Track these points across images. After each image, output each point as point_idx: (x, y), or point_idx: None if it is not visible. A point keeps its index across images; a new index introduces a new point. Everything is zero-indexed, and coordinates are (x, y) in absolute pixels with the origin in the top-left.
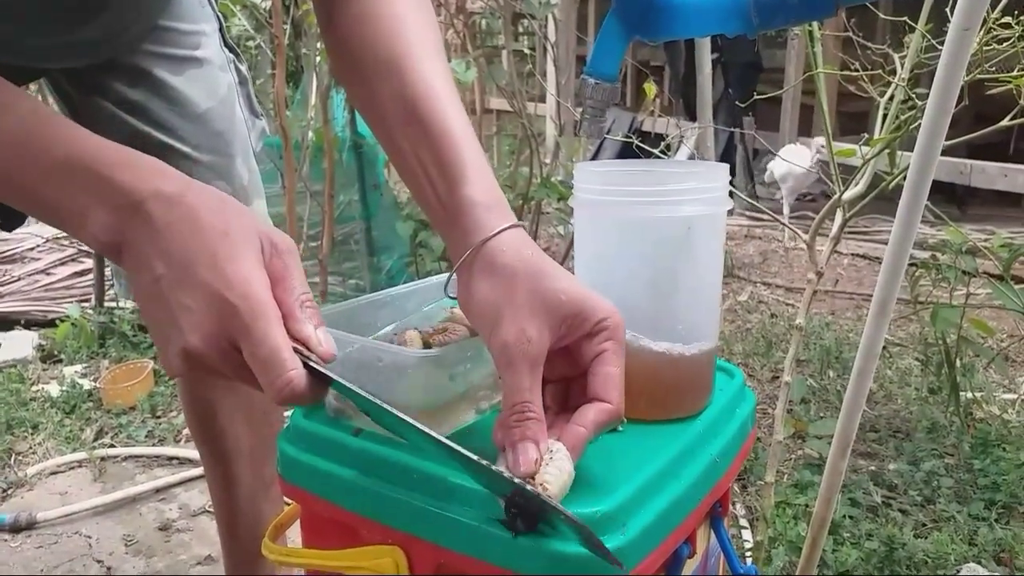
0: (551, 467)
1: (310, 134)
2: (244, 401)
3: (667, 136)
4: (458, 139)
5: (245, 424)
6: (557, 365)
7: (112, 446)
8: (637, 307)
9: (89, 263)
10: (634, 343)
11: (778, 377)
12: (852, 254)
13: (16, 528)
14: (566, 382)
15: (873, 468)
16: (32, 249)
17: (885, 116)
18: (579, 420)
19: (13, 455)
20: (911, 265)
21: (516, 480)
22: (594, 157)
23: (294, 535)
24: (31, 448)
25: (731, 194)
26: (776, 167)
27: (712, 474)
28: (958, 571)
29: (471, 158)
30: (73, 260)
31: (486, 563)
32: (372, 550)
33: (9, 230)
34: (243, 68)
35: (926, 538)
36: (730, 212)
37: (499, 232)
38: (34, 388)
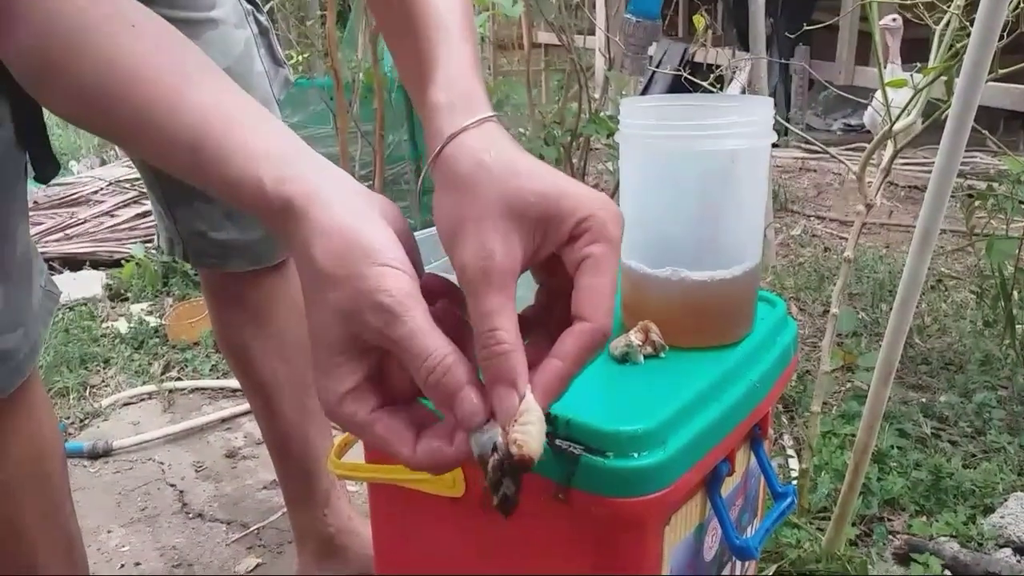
0: (521, 420)
1: (360, 74)
2: (276, 337)
3: (717, 68)
4: (432, 33)
5: (279, 358)
6: (555, 274)
7: (179, 379)
8: (681, 240)
9: (150, 205)
10: (674, 277)
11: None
12: (908, 186)
13: (94, 455)
14: (567, 295)
15: (924, 400)
16: (96, 192)
17: (941, 44)
18: (557, 351)
19: (88, 388)
20: (967, 196)
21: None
22: (645, 90)
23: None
24: (104, 381)
25: (785, 128)
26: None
27: (752, 398)
28: (1006, 500)
29: (442, 52)
30: (135, 202)
31: (535, 475)
32: None
33: (44, 182)
34: (263, 18)
35: (975, 468)
36: (776, 144)
37: (454, 136)
38: (104, 325)
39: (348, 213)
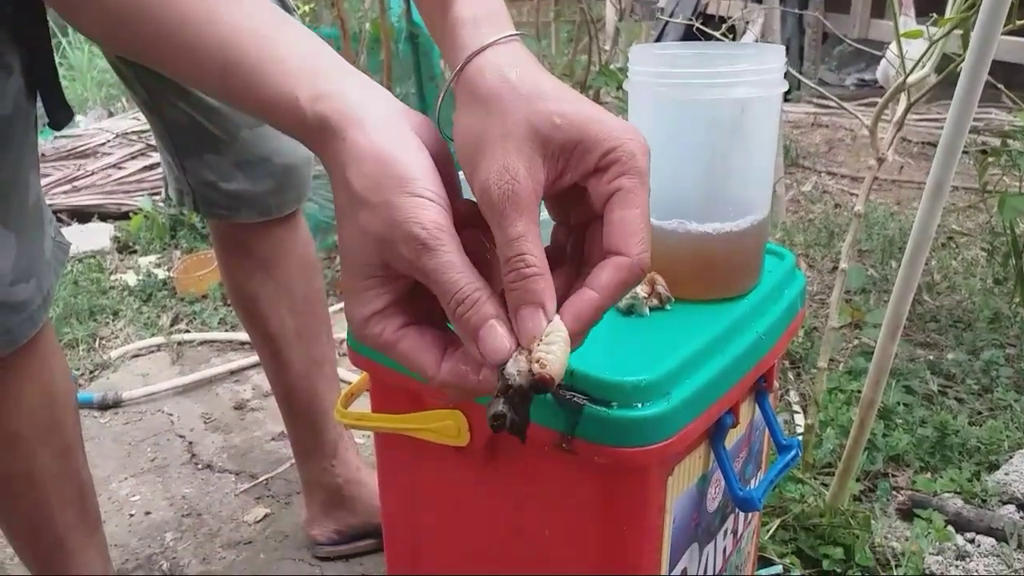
0: (546, 340)
1: (367, 25)
2: (285, 289)
3: (730, 19)
4: None
5: (288, 310)
6: (574, 208)
7: (187, 331)
8: (689, 191)
9: (158, 157)
10: (680, 228)
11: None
12: (922, 142)
13: (104, 406)
14: (584, 228)
15: (931, 357)
16: (103, 144)
17: None
18: (592, 283)
19: (97, 339)
20: (981, 152)
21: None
22: (657, 41)
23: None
24: (113, 333)
25: (799, 82)
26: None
27: (757, 350)
28: (1011, 457)
29: None
30: (143, 154)
31: (539, 425)
32: (436, 414)
33: (58, 128)
34: None
35: (980, 426)
36: (787, 98)
37: (481, 51)
38: (112, 277)
39: (386, 136)
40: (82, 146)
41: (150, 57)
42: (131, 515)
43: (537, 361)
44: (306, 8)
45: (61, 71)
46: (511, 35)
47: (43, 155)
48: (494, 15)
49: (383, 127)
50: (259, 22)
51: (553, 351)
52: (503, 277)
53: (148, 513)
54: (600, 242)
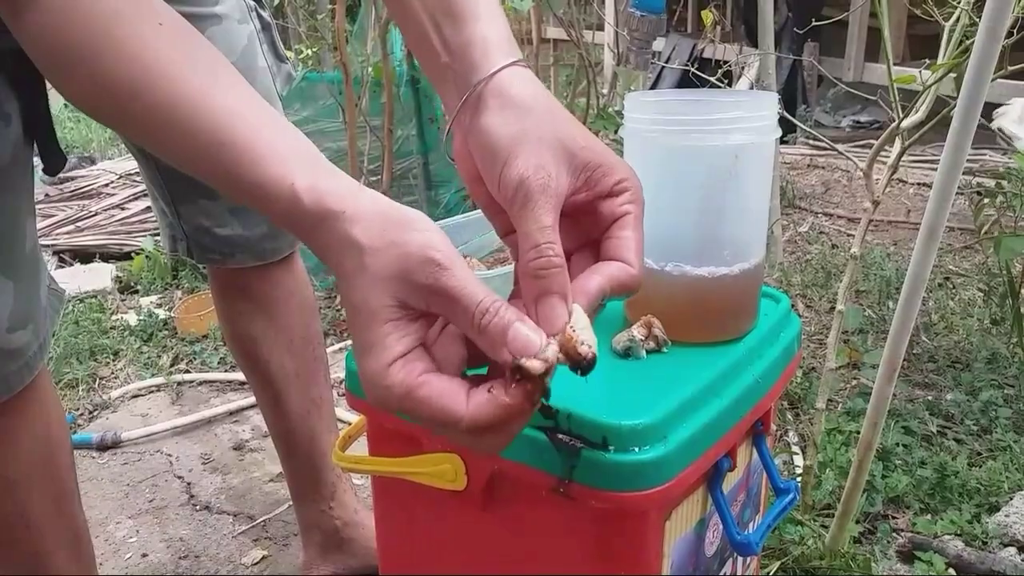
0: (577, 327)
1: (369, 69)
2: (284, 331)
3: (726, 64)
4: None
5: (287, 352)
6: (565, 226)
7: (187, 371)
8: (684, 236)
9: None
10: (676, 272)
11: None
12: (917, 183)
13: (103, 446)
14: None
15: (929, 398)
16: (107, 185)
17: (951, 40)
18: (600, 271)
19: (97, 379)
20: (976, 193)
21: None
22: (653, 86)
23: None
24: (113, 373)
25: (792, 124)
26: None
27: (754, 393)
28: (1011, 499)
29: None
30: (145, 195)
31: (536, 469)
32: (433, 457)
33: (52, 174)
34: (265, 14)
35: (980, 467)
36: (783, 140)
37: (509, 65)
38: (114, 317)
39: (382, 201)
40: (86, 187)
41: (137, 134)
42: (128, 557)
43: (582, 343)
44: (309, 52)
45: (65, 112)
46: (527, 65)
47: (47, 195)
48: (512, 44)
49: (378, 198)
50: (252, 109)
51: (588, 333)
52: (528, 262)
53: (145, 555)
54: (591, 260)
